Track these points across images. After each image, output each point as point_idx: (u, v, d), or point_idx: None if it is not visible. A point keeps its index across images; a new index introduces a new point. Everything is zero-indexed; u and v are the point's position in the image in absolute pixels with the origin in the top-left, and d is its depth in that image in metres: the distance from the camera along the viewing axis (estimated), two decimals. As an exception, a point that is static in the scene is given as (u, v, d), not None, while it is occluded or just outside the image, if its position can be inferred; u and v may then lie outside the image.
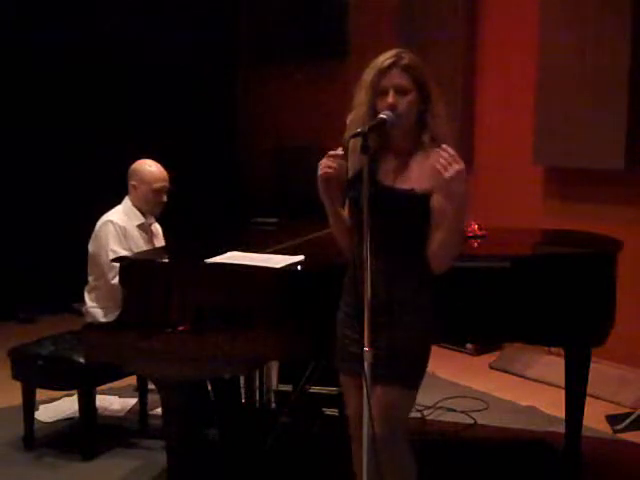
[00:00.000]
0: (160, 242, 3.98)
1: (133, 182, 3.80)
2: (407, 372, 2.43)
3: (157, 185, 3.77)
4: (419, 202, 2.38)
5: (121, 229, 3.71)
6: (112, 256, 3.59)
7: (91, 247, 3.75)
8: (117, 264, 3.52)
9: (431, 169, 2.31)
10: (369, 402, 2.23)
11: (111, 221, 3.72)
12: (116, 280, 3.47)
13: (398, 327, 2.40)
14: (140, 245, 3.77)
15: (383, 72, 2.36)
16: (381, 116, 2.33)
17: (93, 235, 3.75)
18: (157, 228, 4.00)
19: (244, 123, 7.40)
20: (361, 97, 2.41)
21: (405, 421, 2.54)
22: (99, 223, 3.75)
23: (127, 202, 3.84)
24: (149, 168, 3.80)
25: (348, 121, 2.46)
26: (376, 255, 2.26)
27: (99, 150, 6.19)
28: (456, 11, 5.42)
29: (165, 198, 3.82)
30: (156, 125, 6.46)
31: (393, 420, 2.44)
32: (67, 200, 6.17)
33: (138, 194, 3.80)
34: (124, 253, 3.64)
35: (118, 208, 3.83)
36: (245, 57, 7.28)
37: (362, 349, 2.25)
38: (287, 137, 6.85)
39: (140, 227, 3.83)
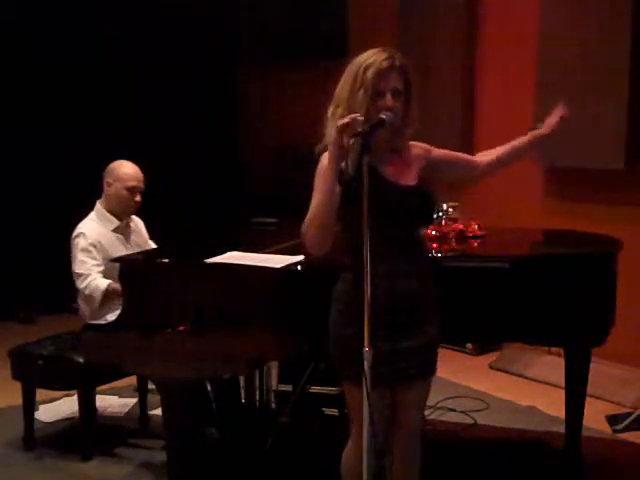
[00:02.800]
0: (141, 237, 3.96)
1: (108, 179, 3.79)
2: (433, 363, 2.55)
3: (131, 184, 3.76)
4: (424, 196, 2.48)
5: (93, 242, 3.69)
6: (80, 266, 3.64)
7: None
8: (84, 272, 3.62)
9: (425, 150, 2.57)
10: (369, 402, 2.23)
11: (83, 234, 3.70)
12: (83, 285, 3.62)
13: (422, 323, 2.48)
14: (119, 250, 3.72)
15: (382, 74, 2.38)
16: (381, 116, 2.34)
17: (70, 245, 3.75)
18: (136, 223, 3.96)
19: (244, 123, 7.40)
20: (355, 95, 2.39)
21: None
22: (73, 234, 3.73)
23: (99, 207, 3.82)
24: (124, 167, 3.80)
25: (330, 114, 2.45)
26: (391, 254, 2.35)
27: (99, 150, 6.16)
28: (456, 10, 5.42)
29: (139, 198, 3.80)
30: (156, 125, 6.46)
31: (423, 410, 2.65)
32: (67, 200, 6.15)
33: (111, 192, 3.78)
34: (93, 262, 3.65)
35: (91, 216, 3.80)
36: (245, 57, 7.27)
37: (385, 355, 2.34)
38: (287, 137, 6.84)
39: (116, 230, 3.80)
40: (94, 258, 3.68)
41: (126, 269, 3.11)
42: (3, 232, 6.10)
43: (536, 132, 2.76)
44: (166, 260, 3.30)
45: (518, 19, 5.15)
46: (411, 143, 2.56)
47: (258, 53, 7.08)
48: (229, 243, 3.22)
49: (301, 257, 2.96)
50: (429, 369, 2.54)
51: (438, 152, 2.62)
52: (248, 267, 2.89)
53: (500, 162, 2.71)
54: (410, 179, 2.49)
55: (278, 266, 2.87)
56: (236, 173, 7.26)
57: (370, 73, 2.38)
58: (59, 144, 6.25)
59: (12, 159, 6.14)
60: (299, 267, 2.91)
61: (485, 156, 2.71)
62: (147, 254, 3.59)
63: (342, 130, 2.24)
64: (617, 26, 4.46)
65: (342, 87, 2.44)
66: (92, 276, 3.63)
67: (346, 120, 2.24)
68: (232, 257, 3.00)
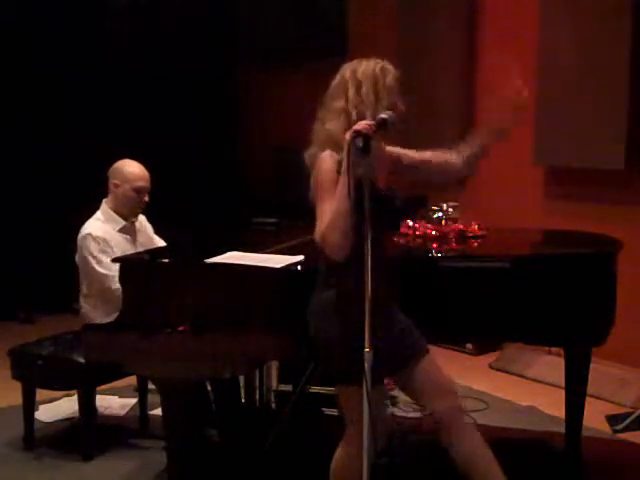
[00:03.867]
0: (146, 236, 3.95)
1: (115, 181, 3.76)
2: (422, 341, 2.59)
3: (138, 184, 3.74)
4: (397, 198, 2.59)
5: (101, 241, 3.67)
6: (104, 266, 3.59)
7: (77, 259, 3.72)
8: (110, 272, 3.55)
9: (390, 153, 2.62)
10: (369, 402, 2.23)
11: (90, 234, 3.67)
12: (117, 286, 3.40)
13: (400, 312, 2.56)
14: (126, 250, 3.69)
15: (398, 79, 2.50)
16: (383, 116, 2.34)
17: (77, 247, 3.71)
18: (141, 222, 3.94)
19: (244, 123, 7.40)
20: (377, 99, 2.45)
21: None
22: (79, 236, 3.70)
23: (105, 208, 3.79)
24: (131, 167, 3.77)
25: (337, 113, 2.48)
26: (384, 255, 2.42)
27: (99, 151, 6.18)
28: (456, 11, 5.42)
29: (146, 198, 3.79)
30: (156, 125, 6.46)
31: (444, 389, 2.59)
32: (68, 200, 6.16)
33: (119, 193, 3.75)
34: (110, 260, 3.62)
35: (97, 216, 3.78)
36: (245, 57, 7.27)
37: (384, 353, 2.33)
38: (287, 137, 6.82)
39: (122, 230, 3.78)
40: (110, 255, 3.64)
41: (126, 269, 3.11)
42: (3, 232, 6.10)
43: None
44: (166, 260, 3.30)
45: (518, 17, 5.15)
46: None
47: (258, 53, 7.08)
48: (229, 243, 3.22)
49: (301, 257, 2.96)
50: (424, 347, 2.58)
51: (407, 158, 2.67)
52: (248, 267, 2.89)
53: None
54: (384, 181, 2.54)
55: (278, 266, 2.87)
56: (236, 173, 7.26)
57: (390, 78, 2.48)
58: (59, 144, 6.24)
59: (12, 159, 6.14)
60: (299, 267, 2.91)
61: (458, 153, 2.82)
62: (147, 254, 3.59)
63: (356, 135, 2.24)
64: (616, 28, 4.45)
65: (355, 89, 2.46)
66: None
67: (363, 126, 2.24)
68: (232, 257, 3.00)
